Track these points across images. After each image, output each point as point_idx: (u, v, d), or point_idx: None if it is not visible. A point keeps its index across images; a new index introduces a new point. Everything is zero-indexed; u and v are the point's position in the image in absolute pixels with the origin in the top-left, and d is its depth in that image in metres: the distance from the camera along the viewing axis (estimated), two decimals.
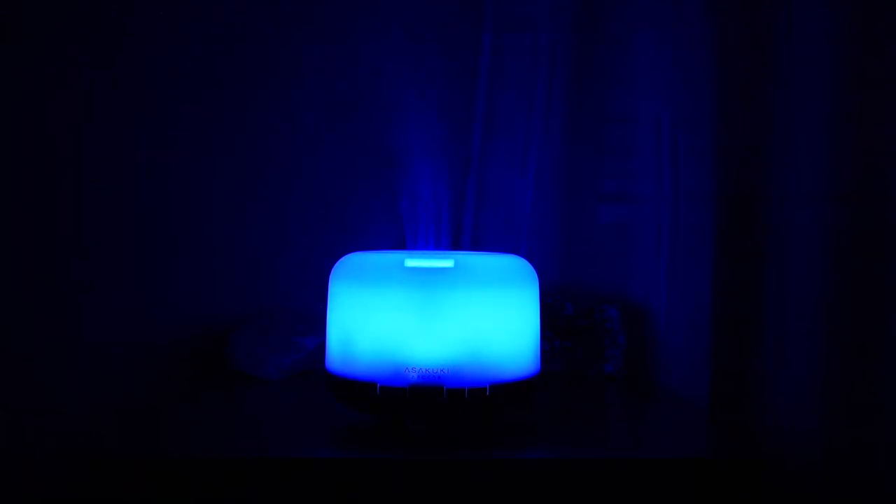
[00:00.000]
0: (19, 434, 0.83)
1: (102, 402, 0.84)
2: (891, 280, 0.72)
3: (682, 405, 0.78)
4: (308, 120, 0.89)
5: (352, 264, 0.62)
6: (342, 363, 0.61)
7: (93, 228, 0.85)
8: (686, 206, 0.81)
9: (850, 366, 0.74)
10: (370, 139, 0.89)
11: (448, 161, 0.89)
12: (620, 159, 0.88)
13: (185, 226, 0.88)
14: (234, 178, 0.88)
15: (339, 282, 0.63)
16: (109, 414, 0.83)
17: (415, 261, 0.59)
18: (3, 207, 0.83)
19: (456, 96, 0.89)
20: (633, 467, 0.56)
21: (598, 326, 0.84)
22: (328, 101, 0.89)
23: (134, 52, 0.86)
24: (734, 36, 0.79)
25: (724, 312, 0.79)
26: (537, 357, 0.64)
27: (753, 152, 0.79)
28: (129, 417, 0.82)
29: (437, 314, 0.58)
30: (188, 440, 0.61)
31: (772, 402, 0.77)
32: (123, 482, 0.55)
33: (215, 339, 0.85)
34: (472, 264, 0.60)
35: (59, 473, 0.82)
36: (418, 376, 0.57)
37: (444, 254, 0.65)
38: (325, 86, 0.89)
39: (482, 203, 0.88)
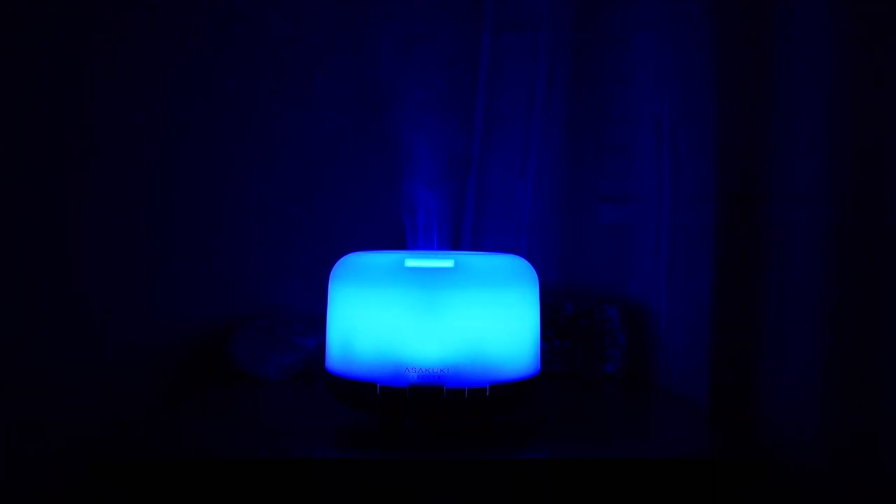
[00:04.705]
0: (20, 434, 0.83)
1: (103, 402, 0.84)
2: (891, 280, 0.72)
3: (682, 405, 0.78)
4: (307, 121, 0.89)
5: (352, 264, 0.62)
6: (342, 363, 0.61)
7: (94, 230, 0.86)
8: (686, 206, 0.81)
9: (849, 366, 0.74)
10: (370, 139, 0.89)
11: (448, 161, 0.89)
12: (620, 159, 0.88)
13: (185, 227, 0.88)
14: (234, 178, 0.88)
15: (339, 282, 0.63)
16: (110, 414, 0.83)
17: (415, 261, 0.59)
18: (8, 210, 0.83)
19: (456, 96, 0.89)
20: (633, 467, 0.56)
21: (598, 326, 0.84)
22: (327, 102, 0.89)
23: (144, 55, 0.86)
24: (734, 36, 0.79)
25: (724, 313, 0.79)
26: (537, 357, 0.64)
27: (753, 152, 0.79)
28: (129, 417, 0.82)
29: (437, 314, 0.58)
30: (188, 440, 0.60)
31: (771, 402, 0.77)
32: (123, 482, 0.54)
33: (215, 339, 0.85)
34: (472, 264, 0.60)
35: (60, 473, 0.82)
36: (418, 376, 0.57)
37: (444, 254, 0.65)
38: (325, 86, 0.89)
39: (482, 203, 0.88)
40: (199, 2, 0.87)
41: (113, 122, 0.86)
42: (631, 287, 0.87)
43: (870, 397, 0.73)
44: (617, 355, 0.84)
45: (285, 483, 0.55)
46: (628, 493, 0.56)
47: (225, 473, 0.55)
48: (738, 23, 0.79)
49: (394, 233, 0.87)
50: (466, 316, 0.58)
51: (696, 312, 0.80)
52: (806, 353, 0.75)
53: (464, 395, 0.57)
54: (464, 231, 0.89)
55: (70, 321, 0.84)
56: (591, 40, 0.87)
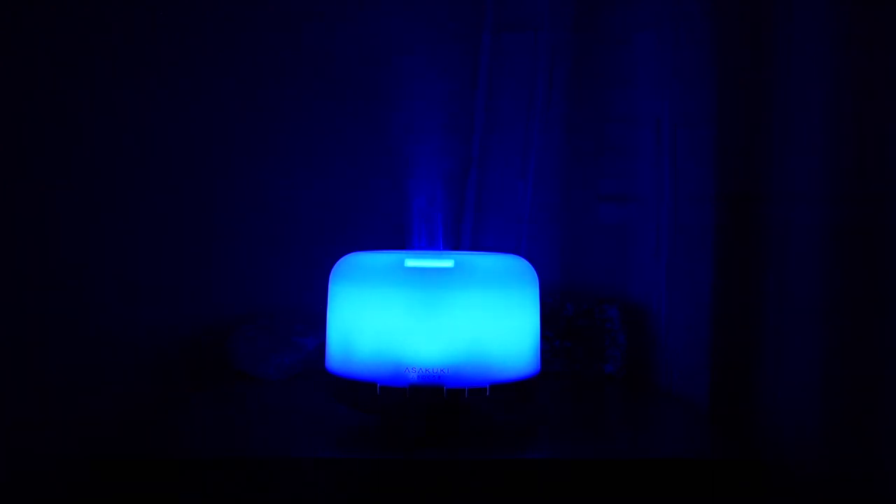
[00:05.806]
0: (21, 434, 0.83)
1: (103, 402, 0.84)
2: (891, 280, 0.72)
3: (682, 405, 0.78)
4: (308, 120, 0.89)
5: (352, 264, 0.62)
6: (342, 363, 0.61)
7: (94, 229, 0.86)
8: (686, 206, 0.81)
9: (849, 366, 0.74)
10: (370, 139, 0.89)
11: (448, 161, 0.89)
12: (620, 159, 0.88)
13: (185, 226, 0.88)
14: (234, 178, 0.88)
15: (339, 282, 0.63)
16: (110, 414, 0.83)
17: (415, 261, 0.59)
18: (8, 210, 0.83)
19: (456, 96, 0.89)
20: (633, 467, 0.56)
21: (598, 326, 0.84)
22: (327, 103, 0.89)
23: (144, 55, 0.86)
24: (734, 36, 0.79)
25: (724, 312, 0.79)
26: (537, 357, 0.64)
27: (753, 152, 0.79)
28: (129, 417, 0.82)
29: (437, 314, 0.58)
30: (188, 440, 0.61)
31: (771, 402, 0.77)
32: (123, 482, 0.55)
33: (215, 339, 0.85)
34: (472, 264, 0.60)
35: (60, 473, 0.82)
36: (418, 376, 0.57)
37: (444, 254, 0.65)
38: (325, 86, 0.89)
39: (482, 203, 0.88)
40: (199, 2, 0.87)
41: (112, 122, 0.86)
42: (631, 287, 0.87)
43: (869, 397, 0.73)
44: (617, 355, 0.84)
45: (285, 483, 0.55)
46: (628, 492, 0.56)
47: (225, 473, 0.55)
48: (738, 23, 0.79)
49: (394, 233, 0.87)
50: (466, 316, 0.58)
51: (696, 312, 0.80)
52: (806, 353, 0.75)
53: (464, 395, 0.57)
54: (464, 231, 0.89)
55: (70, 321, 0.84)
56: (591, 40, 0.87)
